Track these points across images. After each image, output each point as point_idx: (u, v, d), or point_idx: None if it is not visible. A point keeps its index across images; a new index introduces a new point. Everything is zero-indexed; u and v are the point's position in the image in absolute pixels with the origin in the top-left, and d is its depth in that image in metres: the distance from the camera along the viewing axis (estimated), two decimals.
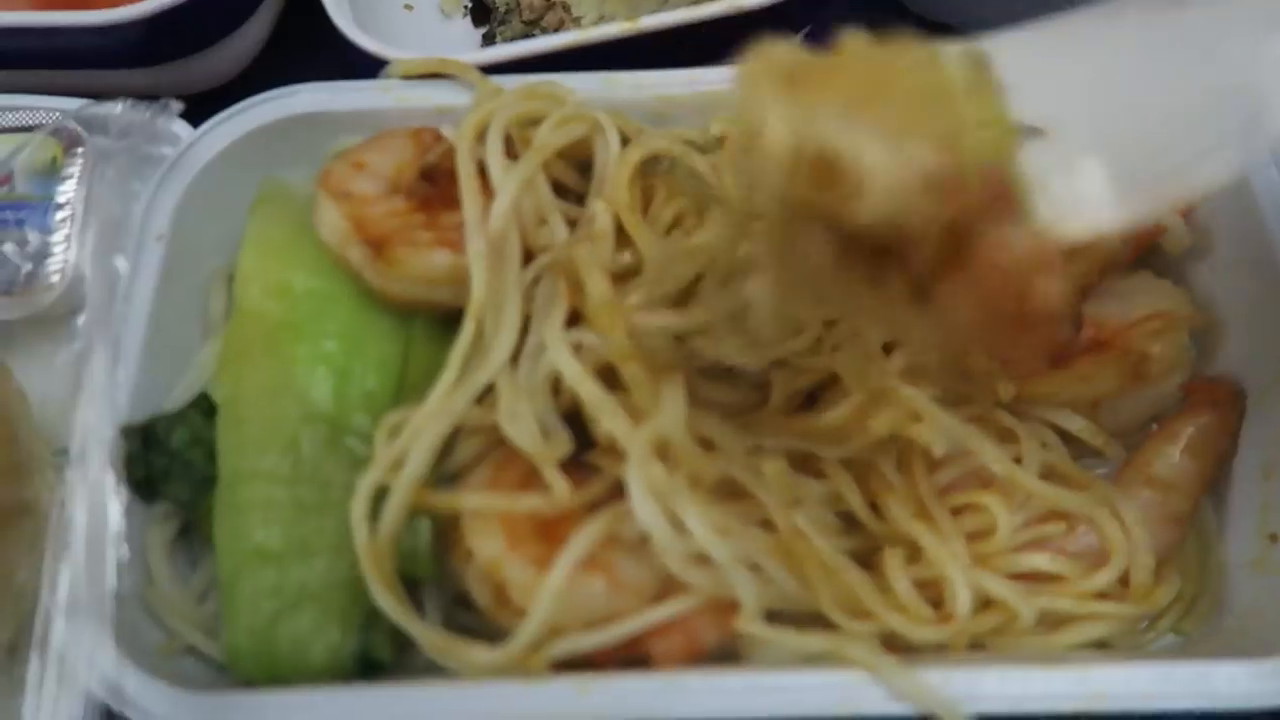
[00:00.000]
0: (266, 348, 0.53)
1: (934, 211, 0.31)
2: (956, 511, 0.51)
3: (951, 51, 0.34)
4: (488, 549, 0.47)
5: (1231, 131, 0.33)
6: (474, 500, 0.48)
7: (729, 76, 0.58)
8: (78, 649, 0.46)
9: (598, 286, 0.49)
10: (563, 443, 0.48)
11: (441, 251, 0.53)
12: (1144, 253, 0.57)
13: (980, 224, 0.32)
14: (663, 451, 0.46)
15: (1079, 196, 0.33)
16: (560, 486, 0.47)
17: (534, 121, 0.56)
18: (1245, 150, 0.34)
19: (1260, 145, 0.34)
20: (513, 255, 0.52)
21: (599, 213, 0.53)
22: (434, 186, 0.56)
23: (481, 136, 0.55)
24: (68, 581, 0.47)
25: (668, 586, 0.47)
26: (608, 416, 0.46)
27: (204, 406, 0.54)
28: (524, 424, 0.48)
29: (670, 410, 0.47)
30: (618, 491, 0.47)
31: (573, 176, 0.58)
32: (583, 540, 0.46)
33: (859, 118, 0.31)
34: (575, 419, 0.49)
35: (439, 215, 0.55)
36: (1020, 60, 0.33)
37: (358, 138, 0.60)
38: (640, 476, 0.45)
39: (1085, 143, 0.34)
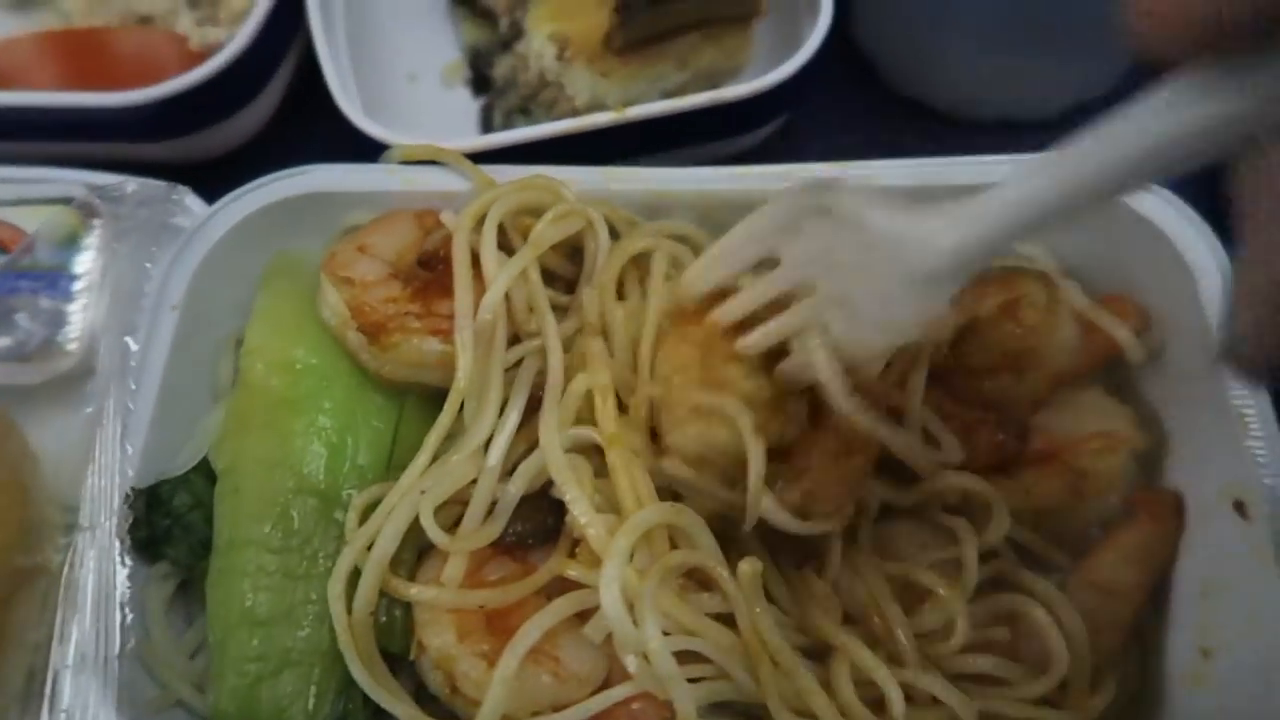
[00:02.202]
0: (266, 421, 0.57)
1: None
2: (918, 599, 0.54)
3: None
4: (438, 642, 0.50)
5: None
6: (426, 594, 0.51)
7: (719, 176, 0.62)
8: (83, 706, 0.49)
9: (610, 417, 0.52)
10: (490, 534, 0.52)
11: (433, 339, 0.56)
12: (1099, 367, 0.60)
13: None
14: (639, 546, 0.49)
15: (837, 335, 0.46)
16: (452, 575, 0.51)
17: (529, 211, 0.59)
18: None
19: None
20: (499, 344, 0.56)
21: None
22: (431, 272, 0.60)
23: (479, 226, 0.58)
24: (75, 640, 0.50)
25: (614, 671, 0.50)
26: (586, 518, 0.50)
27: (206, 471, 0.57)
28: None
29: (652, 509, 0.50)
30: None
31: (561, 263, 0.61)
32: (529, 634, 0.49)
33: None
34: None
35: (434, 302, 0.58)
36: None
37: (366, 213, 0.64)
38: (615, 580, 0.47)
39: (834, 299, 0.45)
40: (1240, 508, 0.52)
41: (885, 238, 0.42)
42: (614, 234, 0.61)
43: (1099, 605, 0.55)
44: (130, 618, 0.52)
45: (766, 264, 0.49)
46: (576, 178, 0.62)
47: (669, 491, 0.52)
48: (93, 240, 0.64)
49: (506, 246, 0.59)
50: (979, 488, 0.55)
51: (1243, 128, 0.33)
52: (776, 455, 0.51)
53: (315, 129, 0.75)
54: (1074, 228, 0.61)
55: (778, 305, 0.48)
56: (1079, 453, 0.56)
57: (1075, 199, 0.38)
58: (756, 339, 0.49)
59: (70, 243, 0.65)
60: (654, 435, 0.53)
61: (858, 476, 0.53)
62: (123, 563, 0.53)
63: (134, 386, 0.57)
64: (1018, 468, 0.57)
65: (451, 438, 0.54)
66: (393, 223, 0.62)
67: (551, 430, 0.52)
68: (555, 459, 0.51)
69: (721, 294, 0.51)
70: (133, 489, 0.55)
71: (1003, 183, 0.40)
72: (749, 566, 0.50)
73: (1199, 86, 0.33)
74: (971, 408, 0.57)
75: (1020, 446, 0.57)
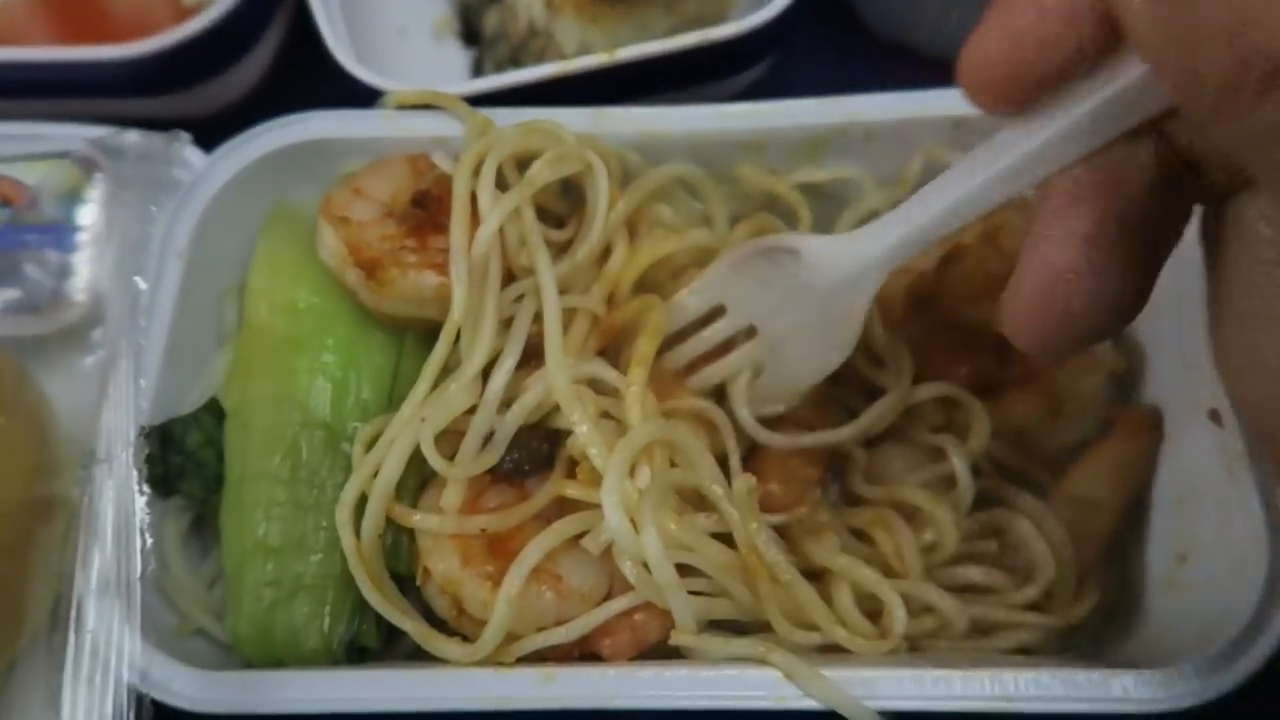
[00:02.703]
0: (271, 360, 0.59)
1: None
2: (908, 517, 0.56)
3: None
4: (442, 567, 0.52)
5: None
6: (428, 520, 0.53)
7: (711, 115, 0.64)
8: (107, 628, 0.51)
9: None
10: (487, 461, 0.54)
11: (429, 273, 0.58)
12: None
13: None
14: (636, 463, 0.51)
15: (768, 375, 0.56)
16: (451, 502, 0.53)
17: (530, 157, 0.61)
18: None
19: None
20: (494, 277, 0.57)
21: None
22: (425, 211, 0.61)
23: (479, 169, 0.59)
24: (97, 566, 0.52)
25: (616, 586, 0.52)
26: (588, 439, 0.52)
27: (216, 410, 0.59)
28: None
29: (652, 424, 0.52)
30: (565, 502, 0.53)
31: (553, 200, 0.63)
32: (533, 554, 0.51)
33: None
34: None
35: (428, 239, 0.60)
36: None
37: (362, 161, 0.65)
38: (615, 490, 0.49)
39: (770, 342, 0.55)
40: (1215, 415, 0.54)
41: (820, 253, 0.51)
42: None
43: (1080, 518, 0.57)
44: (150, 543, 0.54)
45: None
46: (568, 120, 0.63)
47: None
48: (95, 193, 0.65)
49: (503, 188, 0.60)
50: (954, 393, 0.58)
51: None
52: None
53: (310, 84, 0.76)
54: None
55: (726, 345, 0.57)
56: (1059, 373, 0.58)
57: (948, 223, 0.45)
58: (698, 381, 0.58)
59: (73, 196, 0.66)
60: None
61: (806, 472, 0.57)
62: (140, 491, 0.55)
63: (144, 324, 0.58)
64: (999, 391, 0.59)
65: (449, 370, 0.56)
66: (386, 166, 0.64)
67: (557, 356, 0.54)
68: (561, 384, 0.53)
69: (680, 335, 0.58)
70: (146, 426, 0.57)
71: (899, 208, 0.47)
72: (743, 484, 0.52)
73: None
74: (955, 333, 0.59)
75: (1001, 370, 0.59)
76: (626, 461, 0.50)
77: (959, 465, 0.57)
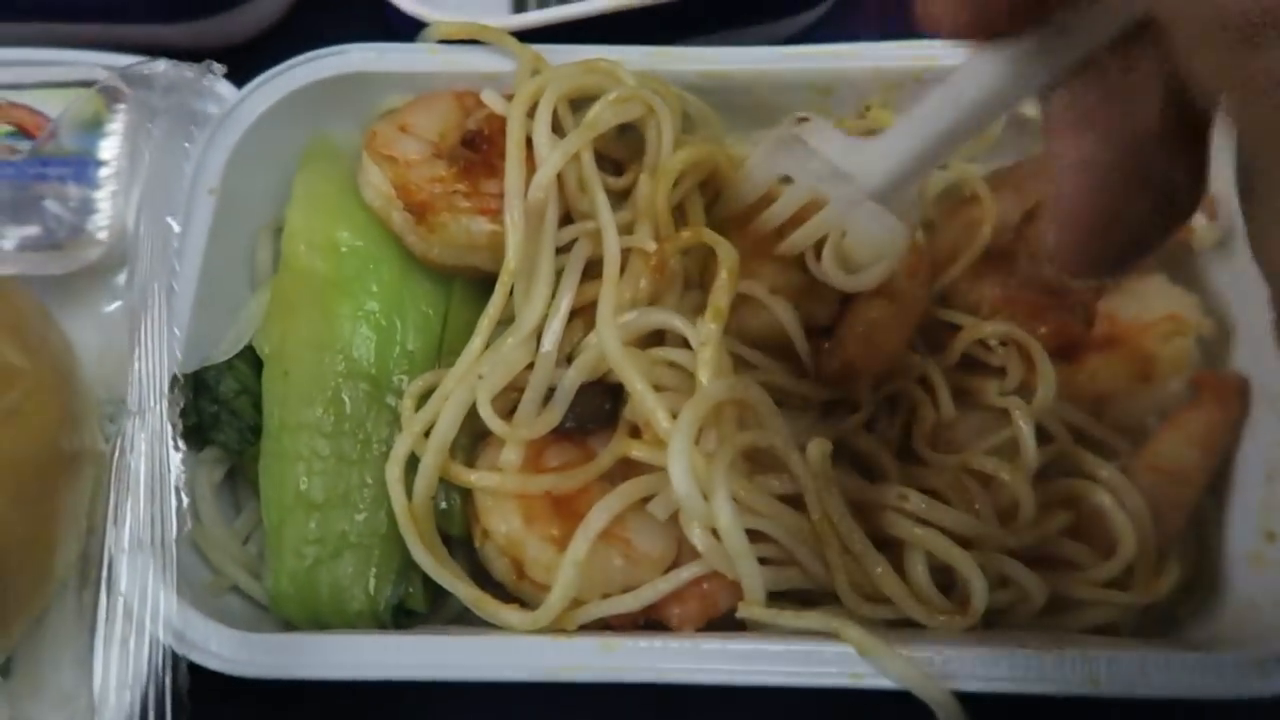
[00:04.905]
0: (312, 303, 0.55)
1: None
2: (983, 482, 0.54)
3: None
4: (504, 528, 0.49)
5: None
6: (489, 480, 0.50)
7: (774, 56, 0.60)
8: (141, 589, 0.48)
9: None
10: (549, 421, 0.50)
11: (481, 219, 0.54)
12: (1167, 254, 0.58)
13: None
14: (706, 424, 0.48)
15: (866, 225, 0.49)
16: (510, 461, 0.50)
17: (584, 97, 0.57)
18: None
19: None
20: (550, 225, 0.54)
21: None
22: (475, 152, 0.57)
23: (534, 110, 0.56)
24: (130, 524, 0.49)
25: (683, 552, 0.49)
26: (649, 406, 0.48)
27: (250, 358, 0.56)
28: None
29: (721, 383, 0.49)
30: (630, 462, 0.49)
31: (610, 144, 0.59)
32: (599, 517, 0.48)
33: None
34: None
35: (480, 182, 0.56)
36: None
37: (404, 97, 0.61)
38: (683, 454, 0.46)
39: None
40: None
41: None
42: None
43: (1162, 488, 0.54)
44: (186, 502, 0.51)
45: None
46: (626, 57, 0.60)
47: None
48: (117, 125, 0.61)
49: (557, 130, 0.57)
50: (1016, 334, 0.55)
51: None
52: (819, 333, 0.55)
53: (342, 13, 0.72)
54: None
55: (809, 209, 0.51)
56: (1146, 336, 0.55)
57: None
58: (786, 248, 0.53)
59: (94, 127, 0.62)
60: None
61: (890, 338, 0.54)
62: (175, 446, 0.52)
63: (177, 268, 0.55)
64: (1082, 353, 0.56)
65: (505, 322, 0.53)
66: (433, 102, 0.60)
67: (608, 320, 0.51)
68: (613, 349, 0.50)
69: (764, 202, 0.54)
70: (179, 374, 0.54)
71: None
72: (818, 448, 0.49)
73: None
74: (1037, 292, 0.56)
75: (1085, 331, 0.56)
76: (694, 425, 0.47)
77: (1023, 426, 0.54)
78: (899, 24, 0.78)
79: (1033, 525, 0.52)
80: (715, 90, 0.61)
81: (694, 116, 0.61)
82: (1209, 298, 0.58)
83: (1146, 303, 0.56)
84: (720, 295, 0.50)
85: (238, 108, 0.60)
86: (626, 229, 0.54)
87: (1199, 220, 0.57)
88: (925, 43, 0.61)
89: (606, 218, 0.53)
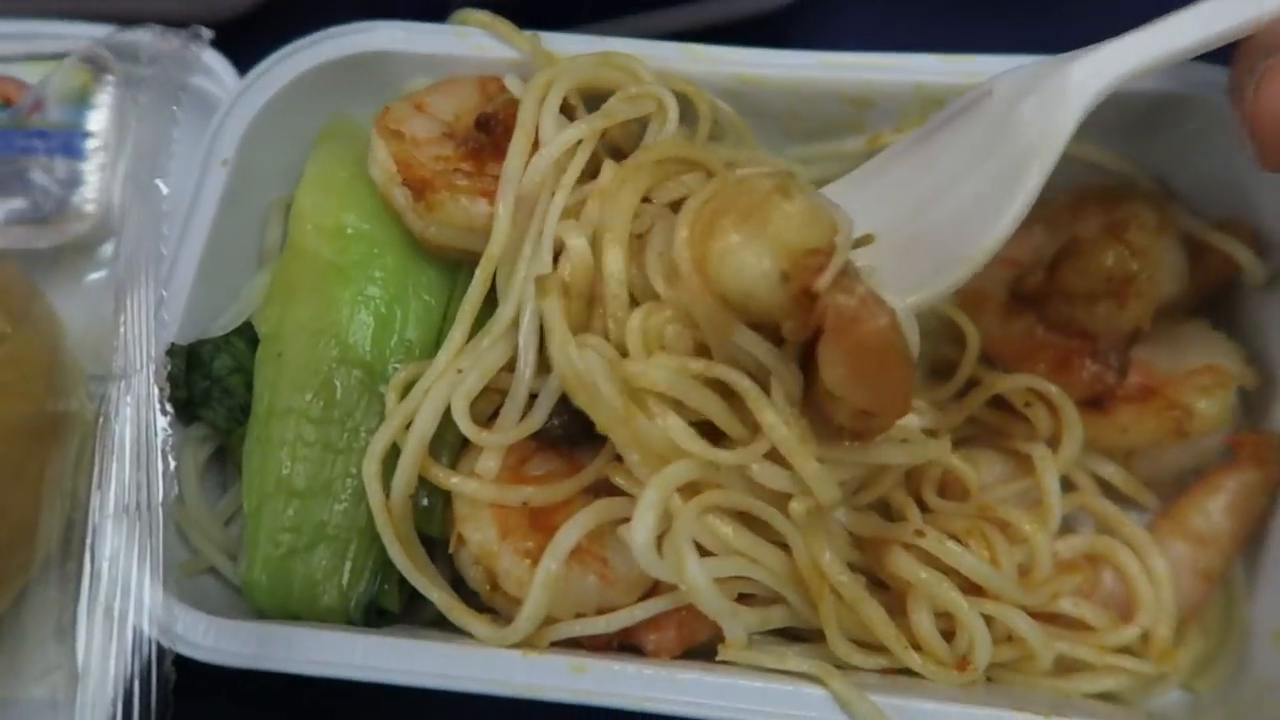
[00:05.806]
0: (313, 286, 0.54)
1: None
2: (1001, 528, 0.50)
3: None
4: (479, 538, 0.47)
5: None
6: (466, 486, 0.47)
7: (810, 62, 0.57)
8: (125, 554, 0.47)
9: None
10: (528, 427, 0.47)
11: (481, 200, 0.52)
12: (1207, 296, 0.55)
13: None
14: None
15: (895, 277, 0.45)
16: (487, 469, 0.47)
17: (602, 90, 0.55)
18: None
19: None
20: (549, 214, 0.50)
21: None
22: (488, 136, 0.55)
23: (545, 97, 0.53)
24: (114, 489, 0.48)
25: None
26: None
27: (249, 336, 0.55)
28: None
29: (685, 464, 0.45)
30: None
31: (625, 138, 0.56)
32: (569, 536, 0.45)
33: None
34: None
35: (487, 164, 0.54)
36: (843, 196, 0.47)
37: (428, 80, 0.60)
38: (648, 524, 0.43)
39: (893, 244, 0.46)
40: None
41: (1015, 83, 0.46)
42: (692, 115, 0.57)
43: (1189, 553, 0.51)
44: (173, 465, 0.49)
45: None
46: (656, 54, 0.57)
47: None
48: (105, 98, 0.60)
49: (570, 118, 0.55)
50: (1040, 386, 0.52)
51: None
52: None
53: None
54: (1182, 148, 0.56)
55: None
56: (1184, 388, 0.51)
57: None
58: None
59: (81, 99, 0.61)
60: None
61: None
62: (163, 411, 0.50)
63: (178, 235, 0.54)
64: (1114, 403, 0.52)
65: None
66: (455, 85, 0.58)
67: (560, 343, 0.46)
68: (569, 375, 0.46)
69: None
70: (174, 344, 0.53)
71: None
72: (799, 505, 0.45)
73: None
74: (1067, 337, 0.53)
75: (1119, 380, 0.52)
76: (661, 502, 0.44)
77: (1047, 478, 0.51)
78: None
79: (1048, 581, 0.49)
80: (748, 95, 0.58)
81: (723, 125, 0.58)
82: (1255, 340, 0.54)
83: (1185, 351, 0.53)
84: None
85: (259, 79, 0.59)
86: None
87: (1246, 256, 0.53)
88: (971, 57, 0.57)
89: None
